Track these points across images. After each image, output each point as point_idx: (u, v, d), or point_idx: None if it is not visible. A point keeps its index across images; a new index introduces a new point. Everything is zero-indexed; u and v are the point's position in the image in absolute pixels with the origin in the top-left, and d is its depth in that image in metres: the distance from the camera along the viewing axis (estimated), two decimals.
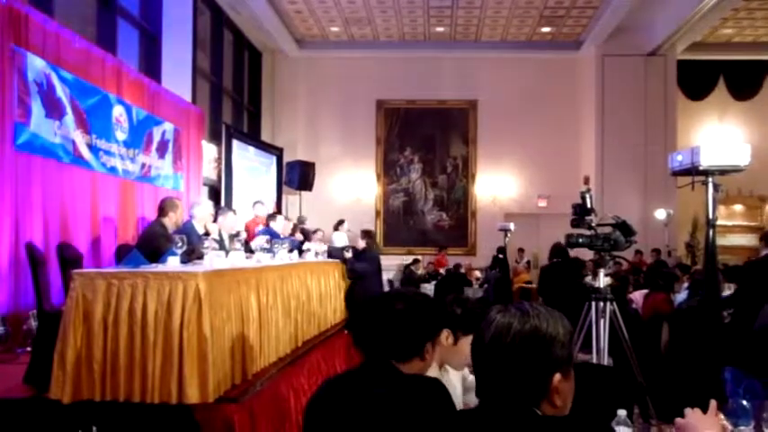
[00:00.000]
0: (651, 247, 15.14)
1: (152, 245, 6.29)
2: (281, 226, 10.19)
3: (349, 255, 9.71)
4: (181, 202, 7.46)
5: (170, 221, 6.93)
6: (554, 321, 1.80)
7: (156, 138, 10.40)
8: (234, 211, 8.82)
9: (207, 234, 7.32)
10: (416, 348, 2.51)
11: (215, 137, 14.15)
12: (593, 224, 6.34)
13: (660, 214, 16.04)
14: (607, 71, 16.93)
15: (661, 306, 8.40)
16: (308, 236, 11.63)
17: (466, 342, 3.09)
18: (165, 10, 11.57)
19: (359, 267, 9.67)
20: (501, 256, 13.48)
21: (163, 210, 7.03)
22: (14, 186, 6.88)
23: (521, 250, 17.07)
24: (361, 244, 9.84)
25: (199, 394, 4.41)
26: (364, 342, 2.54)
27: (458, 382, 3.30)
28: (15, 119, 6.92)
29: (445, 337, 3.10)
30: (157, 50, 11.49)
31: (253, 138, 16.81)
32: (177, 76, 11.82)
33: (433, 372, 2.99)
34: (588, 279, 10.78)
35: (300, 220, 14.12)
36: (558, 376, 1.76)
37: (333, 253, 10.03)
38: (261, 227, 10.59)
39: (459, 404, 2.90)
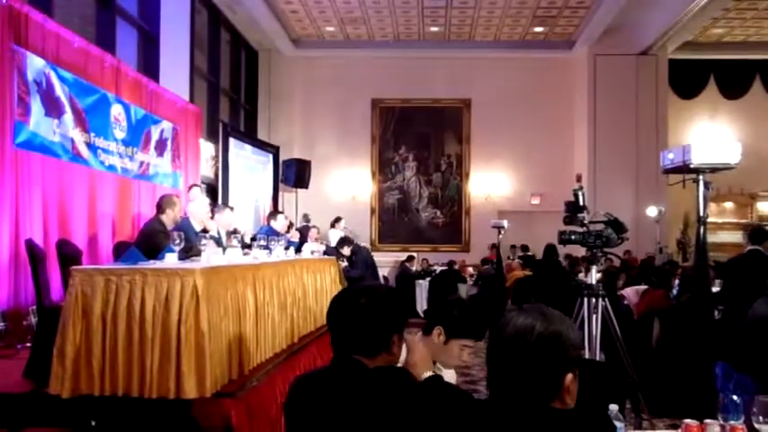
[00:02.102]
0: (643, 244, 15.21)
1: (150, 242, 6.31)
2: (281, 224, 10.23)
3: (344, 264, 9.70)
4: (179, 199, 7.49)
5: (168, 218, 6.95)
6: (569, 325, 1.90)
7: (155, 136, 10.47)
8: (231, 208, 8.87)
9: (205, 231, 7.38)
10: (383, 342, 2.48)
11: (212, 135, 14.21)
12: (586, 221, 6.39)
13: (652, 211, 16.13)
14: (599, 70, 17.03)
15: (659, 303, 8.47)
16: (305, 235, 11.68)
17: (456, 344, 3.16)
18: (164, 10, 11.58)
19: (353, 274, 9.69)
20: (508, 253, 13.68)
21: (161, 207, 7.04)
22: (14, 184, 6.93)
23: (513, 247, 17.11)
24: (346, 251, 9.87)
25: (196, 389, 4.43)
26: (333, 339, 2.53)
27: (452, 379, 3.25)
28: (15, 117, 6.98)
29: (437, 334, 3.12)
30: (156, 50, 11.50)
31: (249, 136, 16.86)
32: (175, 75, 11.88)
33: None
34: (581, 276, 10.87)
35: (306, 219, 14.22)
36: (570, 376, 1.85)
37: (329, 253, 10.07)
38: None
39: None
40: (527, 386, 1.85)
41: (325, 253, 9.99)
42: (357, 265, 9.77)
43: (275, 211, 11.38)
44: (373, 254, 16.07)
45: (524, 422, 1.83)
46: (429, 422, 2.16)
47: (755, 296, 6.31)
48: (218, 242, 7.36)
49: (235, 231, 8.29)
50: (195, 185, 10.01)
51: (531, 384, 1.84)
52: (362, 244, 13.71)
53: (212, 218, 8.27)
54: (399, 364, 2.65)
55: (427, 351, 2.80)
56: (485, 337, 3.25)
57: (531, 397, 1.84)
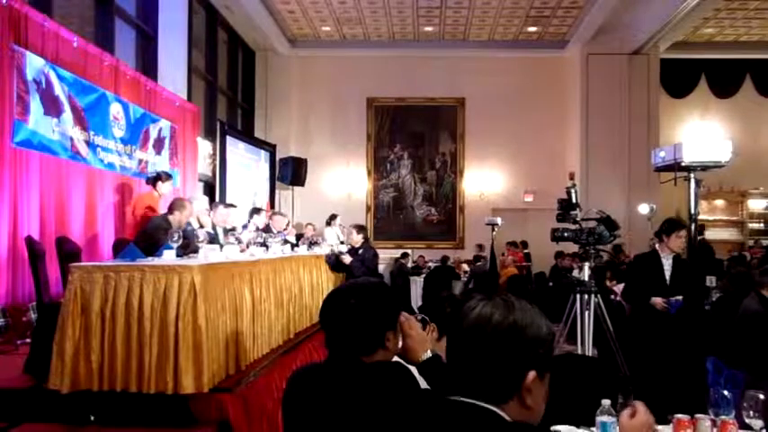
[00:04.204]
0: (635, 242, 15.24)
1: (155, 234, 6.46)
2: (262, 221, 10.29)
3: (348, 259, 9.36)
4: (190, 204, 7.59)
5: (174, 219, 7.09)
6: (539, 320, 1.75)
7: (153, 134, 10.53)
8: (232, 206, 8.95)
9: (201, 227, 7.48)
10: (377, 340, 2.46)
11: (210, 134, 14.27)
12: (578, 219, 6.48)
13: (643, 209, 16.17)
14: (592, 70, 17.08)
15: None
16: (300, 236, 11.72)
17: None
18: (162, 10, 11.61)
19: (371, 265, 9.30)
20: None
21: (171, 207, 7.27)
22: (13, 182, 6.98)
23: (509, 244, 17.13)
24: (359, 239, 9.54)
25: (194, 384, 4.51)
26: (327, 340, 2.51)
27: None
28: (14, 116, 7.03)
29: (431, 330, 3.15)
30: (154, 49, 11.52)
31: (247, 134, 16.93)
32: (173, 74, 11.92)
33: None
34: (575, 273, 10.95)
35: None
36: (532, 374, 1.71)
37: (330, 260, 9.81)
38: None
39: None
40: (482, 380, 1.73)
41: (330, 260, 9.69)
42: (365, 263, 9.42)
43: (257, 208, 11.39)
44: None
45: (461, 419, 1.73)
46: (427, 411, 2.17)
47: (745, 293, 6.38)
48: (214, 239, 7.45)
49: (233, 229, 8.37)
50: (168, 175, 9.57)
51: (486, 378, 1.72)
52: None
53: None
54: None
55: (423, 332, 2.80)
56: None
57: (486, 392, 1.73)
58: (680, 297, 6.33)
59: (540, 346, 1.74)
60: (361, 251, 9.29)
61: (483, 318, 1.74)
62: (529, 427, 1.73)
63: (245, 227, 9.46)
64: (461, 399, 1.75)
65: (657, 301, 6.41)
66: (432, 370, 2.57)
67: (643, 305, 6.52)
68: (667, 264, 6.63)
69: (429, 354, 2.62)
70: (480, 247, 16.88)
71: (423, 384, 2.50)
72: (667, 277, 6.57)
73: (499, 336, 1.71)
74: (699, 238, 9.95)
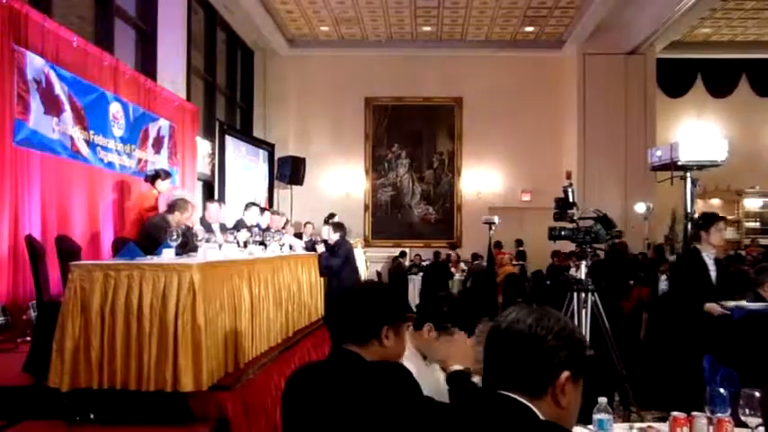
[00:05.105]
0: (632, 240, 15.24)
1: (157, 233, 6.46)
2: (266, 221, 10.32)
3: (321, 248, 9.41)
4: (193, 206, 7.59)
5: (173, 219, 7.09)
6: (571, 326, 1.87)
7: (152, 134, 10.53)
8: (218, 203, 8.98)
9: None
10: (372, 330, 2.50)
11: (209, 133, 14.29)
12: (575, 218, 6.50)
13: (640, 208, 16.20)
14: (588, 69, 17.11)
15: (647, 299, 8.56)
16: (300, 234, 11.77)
17: (447, 340, 3.26)
18: (161, 10, 11.64)
19: (334, 263, 9.34)
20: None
21: (171, 207, 7.26)
22: (14, 181, 7.00)
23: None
24: (334, 237, 9.57)
25: (193, 382, 4.54)
26: (329, 330, 2.60)
27: (442, 375, 3.24)
28: (15, 116, 7.04)
29: (427, 330, 3.20)
30: (153, 49, 11.56)
31: (245, 134, 16.97)
32: (172, 74, 11.91)
33: (414, 363, 3.04)
34: (572, 271, 10.98)
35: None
36: (566, 373, 1.78)
37: (308, 246, 10.00)
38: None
39: (444, 398, 2.92)
40: (518, 373, 1.80)
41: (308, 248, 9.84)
42: (338, 256, 9.48)
43: (264, 208, 11.43)
44: (366, 249, 16.23)
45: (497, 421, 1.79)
46: (424, 413, 2.20)
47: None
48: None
49: (246, 228, 8.37)
50: (167, 173, 9.31)
51: (522, 371, 1.80)
52: (353, 240, 13.71)
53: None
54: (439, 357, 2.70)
55: (470, 348, 2.84)
56: (474, 332, 3.36)
57: (521, 384, 1.79)
58: (742, 303, 5.95)
59: (573, 347, 1.82)
60: (337, 249, 9.43)
61: (519, 320, 1.85)
62: (559, 428, 1.78)
63: (256, 225, 9.50)
64: (499, 391, 1.83)
65: (714, 307, 6.05)
66: (458, 382, 2.63)
67: (696, 313, 6.18)
68: (711, 263, 6.33)
69: (460, 367, 2.67)
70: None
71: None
72: (713, 278, 6.28)
73: (534, 335, 1.81)
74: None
